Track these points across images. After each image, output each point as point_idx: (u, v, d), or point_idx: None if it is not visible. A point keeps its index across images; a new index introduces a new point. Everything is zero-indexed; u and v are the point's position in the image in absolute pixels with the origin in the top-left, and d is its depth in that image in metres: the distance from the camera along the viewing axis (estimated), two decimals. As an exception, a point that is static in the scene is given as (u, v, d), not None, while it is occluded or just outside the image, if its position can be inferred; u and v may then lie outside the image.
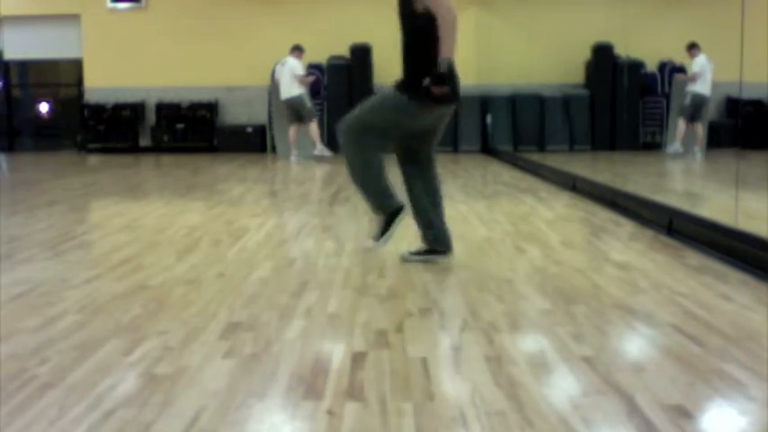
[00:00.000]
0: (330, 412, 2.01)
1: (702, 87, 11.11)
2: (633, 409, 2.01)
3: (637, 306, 3.08)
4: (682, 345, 2.57)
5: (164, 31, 13.52)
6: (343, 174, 8.85)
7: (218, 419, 1.98)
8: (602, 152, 12.55)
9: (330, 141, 11.69)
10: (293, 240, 4.77)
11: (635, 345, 2.69)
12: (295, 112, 11.27)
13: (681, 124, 11.35)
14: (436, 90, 3.55)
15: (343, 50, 12.94)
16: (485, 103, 12.83)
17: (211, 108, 13.50)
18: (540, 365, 2.37)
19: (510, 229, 4.97)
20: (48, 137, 14.62)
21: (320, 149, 11.44)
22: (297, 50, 11.28)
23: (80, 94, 14.03)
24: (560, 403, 2.07)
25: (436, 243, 3.90)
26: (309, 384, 2.21)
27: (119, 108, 13.52)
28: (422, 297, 3.27)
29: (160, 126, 13.53)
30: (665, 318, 2.90)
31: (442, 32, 3.52)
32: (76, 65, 13.99)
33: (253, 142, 13.27)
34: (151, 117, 13.66)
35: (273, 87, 11.84)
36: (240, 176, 9.09)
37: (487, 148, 12.74)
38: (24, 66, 14.54)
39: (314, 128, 11.40)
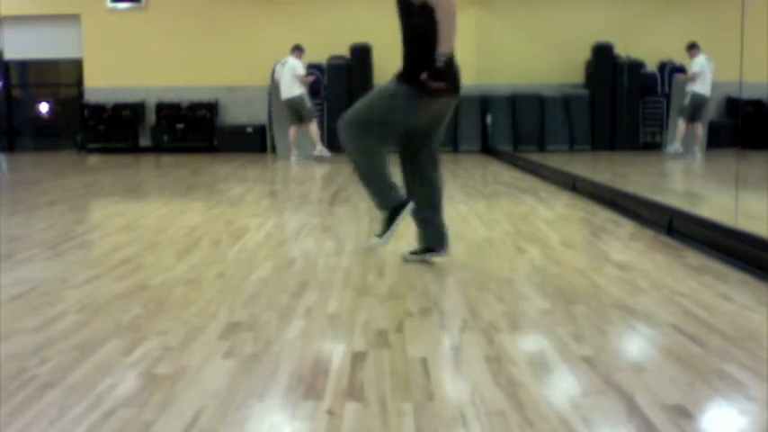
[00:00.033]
0: (330, 412, 2.01)
1: (702, 87, 11.11)
2: (633, 409, 2.01)
3: (637, 306, 3.08)
4: (682, 345, 2.57)
5: (164, 31, 13.52)
6: (343, 174, 8.87)
7: (218, 419, 1.98)
8: (602, 152, 12.55)
9: (330, 141, 11.70)
10: (293, 240, 4.77)
11: (635, 345, 2.69)
12: (295, 112, 11.27)
13: (681, 124, 11.36)
14: (434, 85, 3.55)
15: (343, 50, 12.94)
16: (485, 103, 12.83)
17: (211, 108, 13.50)
18: (540, 365, 2.37)
19: (510, 229, 4.97)
20: (48, 137, 14.62)
21: (320, 150, 11.44)
22: (297, 50, 11.28)
23: (80, 94, 14.03)
24: (560, 403, 2.07)
25: (432, 241, 3.90)
26: (309, 384, 2.21)
27: (119, 108, 13.52)
28: (422, 297, 3.27)
29: (160, 126, 13.53)
30: (665, 318, 2.90)
31: (441, 26, 3.49)
32: (76, 65, 13.99)
33: (253, 142, 13.27)
34: (151, 117, 13.66)
35: (273, 87, 11.84)
36: (240, 176, 9.09)
37: (487, 148, 12.74)
38: (24, 66, 14.54)
39: (314, 128, 11.41)
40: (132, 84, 13.58)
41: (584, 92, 13.07)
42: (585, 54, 13.08)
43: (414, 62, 3.65)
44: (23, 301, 3.23)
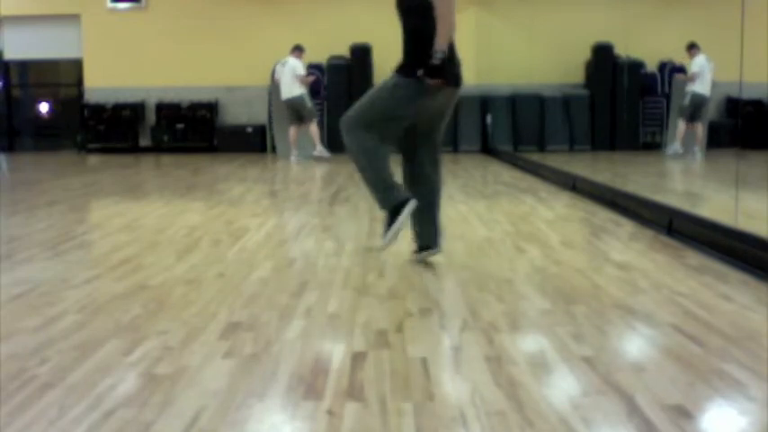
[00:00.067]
0: (330, 412, 2.01)
1: (701, 87, 11.11)
2: (633, 409, 2.01)
3: (637, 306, 3.08)
4: (682, 345, 2.57)
5: (164, 31, 13.52)
6: (343, 174, 8.87)
7: (218, 419, 1.98)
8: (602, 152, 12.55)
9: (330, 141, 11.71)
10: (293, 240, 4.77)
11: (635, 345, 2.69)
12: (296, 112, 11.28)
13: (681, 125, 11.35)
14: (430, 82, 3.55)
15: (343, 50, 12.94)
16: (485, 103, 12.83)
17: (211, 108, 13.50)
18: (540, 365, 2.37)
19: (510, 229, 4.97)
20: (48, 137, 14.62)
21: (319, 151, 11.44)
22: (297, 50, 11.29)
23: (80, 94, 14.03)
24: (560, 403, 2.07)
25: (427, 239, 3.89)
26: (309, 384, 2.21)
27: (119, 108, 13.52)
28: (422, 297, 3.27)
29: (160, 126, 13.53)
30: (665, 318, 2.90)
31: (438, 21, 3.49)
32: (76, 65, 13.99)
33: (253, 142, 13.27)
34: (151, 117, 13.66)
35: (273, 87, 11.84)
36: (240, 176, 9.09)
37: (487, 148, 12.73)
38: (24, 66, 14.54)
39: (314, 128, 11.41)
40: (132, 84, 13.58)
41: (584, 92, 13.07)
42: (585, 54, 13.08)
43: (413, 57, 3.65)
44: (23, 301, 3.23)
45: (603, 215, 5.62)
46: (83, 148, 13.65)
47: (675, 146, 11.37)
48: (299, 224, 5.31)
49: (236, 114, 13.67)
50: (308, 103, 11.32)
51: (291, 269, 3.84)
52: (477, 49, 12.29)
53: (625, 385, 2.18)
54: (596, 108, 12.86)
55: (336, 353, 2.51)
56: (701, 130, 11.44)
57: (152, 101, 13.61)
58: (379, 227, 3.92)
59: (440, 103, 3.74)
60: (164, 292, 3.35)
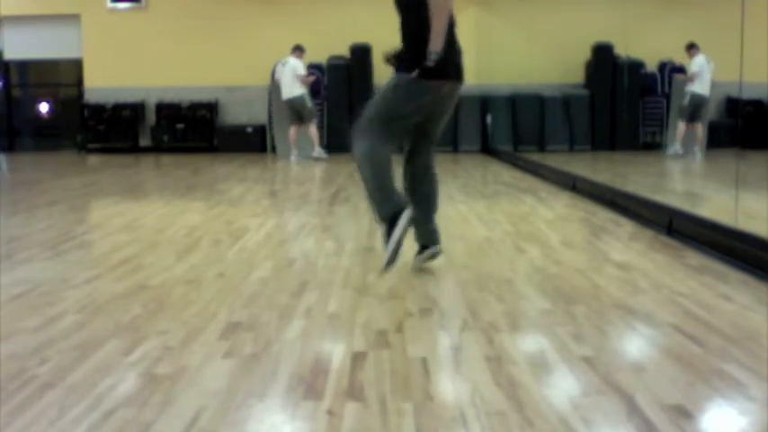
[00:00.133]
0: (330, 412, 2.01)
1: (701, 87, 11.11)
2: (633, 409, 2.01)
3: (637, 306, 3.08)
4: (682, 345, 2.57)
5: (164, 31, 13.53)
6: (343, 174, 8.87)
7: (218, 419, 1.98)
8: (602, 152, 12.55)
9: (330, 141, 11.71)
10: (293, 240, 4.77)
11: (635, 345, 2.69)
12: (296, 112, 11.28)
13: (680, 125, 11.35)
14: (431, 83, 3.54)
15: (343, 50, 12.94)
16: (485, 103, 12.83)
17: (211, 108, 13.50)
18: (540, 365, 2.37)
19: (510, 229, 4.97)
20: (48, 137, 14.63)
21: (318, 152, 11.45)
22: (298, 50, 11.29)
23: (80, 94, 14.03)
24: (560, 403, 2.07)
25: (425, 239, 3.87)
26: (309, 384, 2.21)
27: (119, 108, 13.52)
28: (422, 297, 3.27)
29: (160, 126, 13.54)
30: (665, 318, 2.90)
31: (433, 21, 3.46)
32: (76, 65, 14.00)
33: (253, 142, 13.27)
34: (151, 117, 13.66)
35: (274, 87, 11.85)
36: (240, 176, 9.09)
37: (487, 148, 12.74)
38: (24, 66, 14.54)
39: (313, 130, 11.41)
40: (132, 84, 13.59)
41: (584, 92, 13.07)
42: (585, 54, 13.08)
43: (410, 53, 3.63)
44: (23, 301, 3.23)
45: (603, 215, 5.62)
46: (83, 148, 13.65)
47: (676, 146, 11.36)
48: (299, 224, 5.31)
49: (236, 114, 13.67)
50: (309, 103, 11.32)
51: (291, 269, 3.84)
52: (477, 49, 12.28)
53: (625, 385, 2.18)
54: (596, 108, 12.87)
55: (336, 353, 2.51)
56: (700, 130, 11.44)
57: (152, 101, 13.61)
58: (379, 226, 3.91)
59: (444, 95, 3.70)
60: (164, 292, 3.35)
